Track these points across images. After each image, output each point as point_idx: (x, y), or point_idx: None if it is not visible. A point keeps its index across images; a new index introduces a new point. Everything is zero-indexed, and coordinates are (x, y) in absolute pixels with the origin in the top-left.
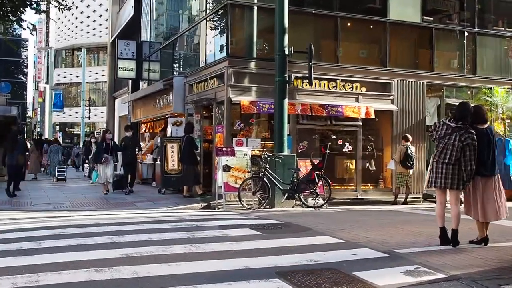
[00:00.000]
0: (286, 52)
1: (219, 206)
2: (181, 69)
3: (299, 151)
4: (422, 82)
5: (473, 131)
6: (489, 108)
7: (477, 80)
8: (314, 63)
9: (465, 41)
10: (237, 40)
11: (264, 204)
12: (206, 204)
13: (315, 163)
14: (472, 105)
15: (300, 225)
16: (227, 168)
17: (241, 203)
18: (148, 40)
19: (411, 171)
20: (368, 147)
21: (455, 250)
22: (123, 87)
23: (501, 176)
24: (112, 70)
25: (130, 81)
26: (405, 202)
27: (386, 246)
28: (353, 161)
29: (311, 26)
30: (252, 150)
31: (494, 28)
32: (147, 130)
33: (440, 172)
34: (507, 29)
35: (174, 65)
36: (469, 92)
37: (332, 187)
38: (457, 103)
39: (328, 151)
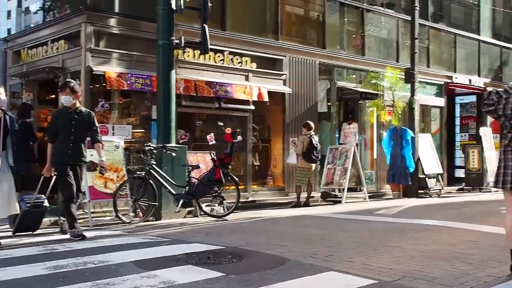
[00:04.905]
0: (174, 6)
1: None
2: None
3: (181, 142)
4: (315, 61)
5: None
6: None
7: (370, 64)
8: (197, 29)
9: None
10: None
11: (148, 215)
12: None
13: (222, 158)
14: None
15: (256, 251)
16: (92, 166)
17: (118, 216)
18: None
19: (314, 165)
20: (253, 137)
21: None
22: None
23: (398, 169)
24: None
25: None
26: (306, 204)
27: None
28: (243, 154)
29: None
30: None
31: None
32: None
33: None
34: (387, 9)
35: None
36: (354, 76)
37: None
38: (348, 87)
39: (237, 140)
